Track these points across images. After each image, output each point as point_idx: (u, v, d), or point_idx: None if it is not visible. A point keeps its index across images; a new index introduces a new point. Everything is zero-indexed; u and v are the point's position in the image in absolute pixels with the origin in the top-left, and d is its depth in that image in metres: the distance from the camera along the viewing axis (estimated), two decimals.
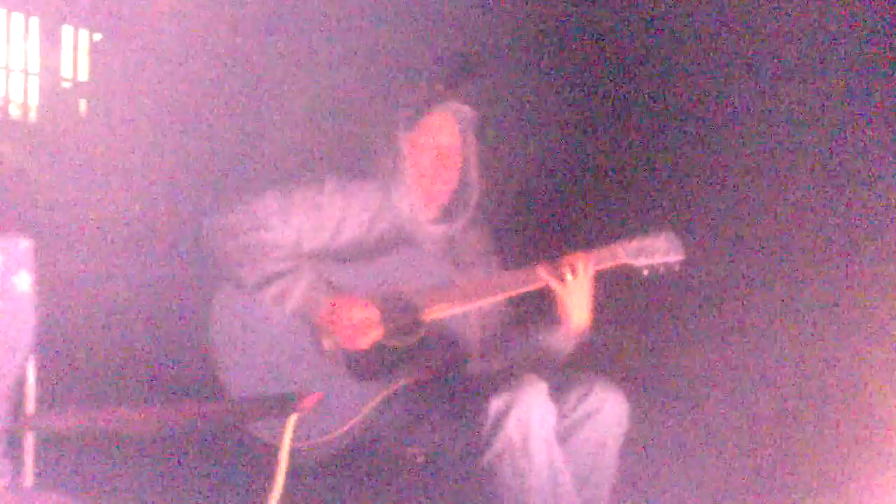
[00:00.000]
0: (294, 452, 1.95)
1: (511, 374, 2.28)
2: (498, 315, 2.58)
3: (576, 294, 2.43)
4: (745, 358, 3.04)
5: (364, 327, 2.36)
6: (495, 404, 2.18)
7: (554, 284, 2.42)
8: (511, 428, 2.17)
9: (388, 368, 2.37)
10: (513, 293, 2.47)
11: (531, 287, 2.44)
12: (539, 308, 2.52)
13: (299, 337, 2.38)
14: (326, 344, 2.38)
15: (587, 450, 2.34)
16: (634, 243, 2.45)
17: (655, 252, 2.44)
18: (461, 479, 2.26)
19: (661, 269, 2.44)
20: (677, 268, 2.45)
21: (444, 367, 2.38)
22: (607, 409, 2.35)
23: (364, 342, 2.36)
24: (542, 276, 2.42)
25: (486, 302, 2.46)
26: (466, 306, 2.41)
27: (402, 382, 2.37)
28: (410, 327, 2.39)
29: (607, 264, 2.44)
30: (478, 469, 2.19)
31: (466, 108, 2.58)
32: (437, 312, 2.39)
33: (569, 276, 2.40)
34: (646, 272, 2.44)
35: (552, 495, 2.20)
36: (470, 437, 2.21)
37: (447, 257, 2.53)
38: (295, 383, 2.35)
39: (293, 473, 1.96)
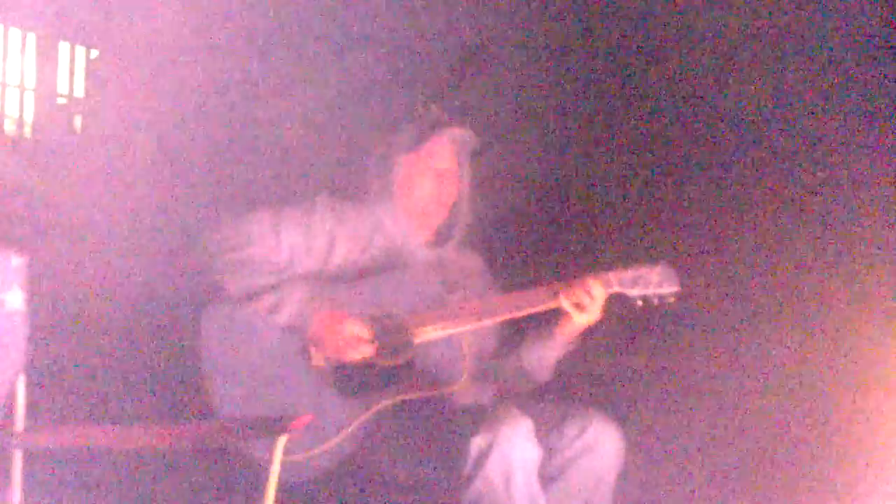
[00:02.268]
0: (281, 468, 1.95)
1: (494, 410, 2.27)
2: (489, 338, 2.58)
3: (587, 316, 2.43)
4: (740, 378, 3.04)
5: (355, 342, 2.35)
6: (477, 442, 2.17)
7: (571, 310, 2.41)
8: (492, 468, 2.15)
9: (376, 387, 2.37)
10: (510, 317, 2.47)
11: (531, 311, 2.45)
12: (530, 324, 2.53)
13: (288, 353, 2.38)
14: (315, 360, 2.38)
15: (583, 485, 2.34)
16: (629, 273, 2.44)
17: (650, 283, 2.43)
18: None
19: (655, 301, 2.44)
20: (672, 300, 2.44)
21: (431, 389, 2.38)
22: (605, 445, 2.36)
23: (354, 356, 2.36)
24: (561, 302, 2.41)
25: (480, 325, 2.45)
26: (459, 329, 2.41)
27: (389, 401, 2.36)
28: (400, 347, 2.39)
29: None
30: None
31: (468, 134, 2.59)
32: (428, 334, 2.39)
33: (586, 301, 2.40)
34: (640, 303, 2.45)
35: None
36: (451, 474, 2.19)
37: (438, 279, 2.52)
38: (283, 399, 2.35)
39: (281, 491, 1.96)
